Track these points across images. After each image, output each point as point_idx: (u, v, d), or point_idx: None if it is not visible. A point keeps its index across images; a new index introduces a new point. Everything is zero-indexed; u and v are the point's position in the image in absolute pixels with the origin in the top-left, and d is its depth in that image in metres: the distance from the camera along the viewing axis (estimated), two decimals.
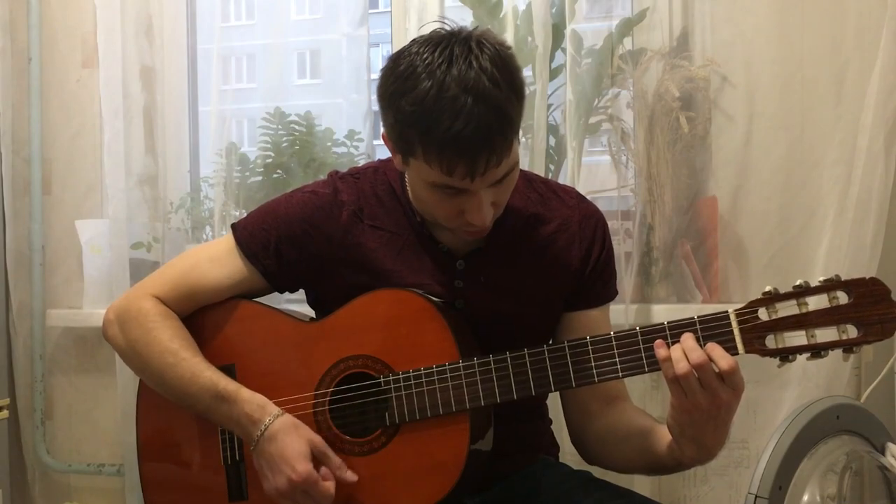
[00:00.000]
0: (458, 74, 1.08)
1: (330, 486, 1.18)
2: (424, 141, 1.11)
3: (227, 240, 1.35)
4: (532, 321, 1.31)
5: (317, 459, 1.20)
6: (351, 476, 1.20)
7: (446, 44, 1.12)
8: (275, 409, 1.22)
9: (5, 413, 2.07)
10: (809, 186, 1.78)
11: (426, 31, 1.18)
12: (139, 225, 2.09)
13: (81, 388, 2.17)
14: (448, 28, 1.16)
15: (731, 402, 1.08)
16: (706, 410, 1.07)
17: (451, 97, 1.08)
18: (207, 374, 1.25)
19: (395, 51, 1.17)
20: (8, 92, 2.12)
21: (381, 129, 1.22)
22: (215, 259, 1.34)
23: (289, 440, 1.19)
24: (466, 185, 1.13)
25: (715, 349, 1.08)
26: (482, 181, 1.13)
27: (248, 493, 1.29)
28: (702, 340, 1.09)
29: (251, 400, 1.23)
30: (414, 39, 1.17)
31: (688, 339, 1.09)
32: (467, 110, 1.07)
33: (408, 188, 1.30)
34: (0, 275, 2.11)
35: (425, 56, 1.11)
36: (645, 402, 1.77)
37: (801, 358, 1.09)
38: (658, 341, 1.10)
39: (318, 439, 1.21)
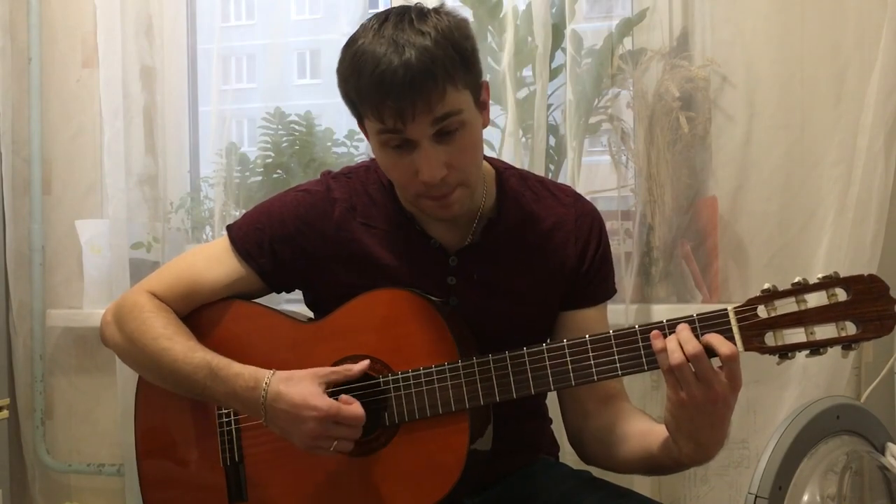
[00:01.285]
0: (388, 32, 1.14)
1: (356, 407, 1.17)
2: (358, 92, 1.16)
3: (222, 241, 1.36)
4: (527, 319, 1.31)
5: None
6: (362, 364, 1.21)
7: (385, 13, 1.18)
8: (266, 372, 1.22)
9: (5, 413, 2.07)
10: (809, 186, 1.78)
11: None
12: (139, 225, 2.09)
13: (81, 388, 2.17)
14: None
15: (728, 397, 1.08)
16: (701, 404, 1.07)
17: (379, 47, 1.13)
18: (200, 354, 1.25)
19: None
20: (8, 92, 2.12)
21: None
22: (211, 259, 1.35)
23: (294, 388, 1.18)
24: (400, 129, 1.14)
25: (714, 336, 1.08)
26: (415, 127, 1.14)
27: (247, 494, 1.29)
28: (700, 337, 1.09)
29: (242, 372, 1.22)
30: None
31: (683, 329, 1.09)
32: (390, 54, 1.12)
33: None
34: (0, 275, 2.11)
35: (366, 24, 1.19)
36: (645, 402, 1.77)
37: (801, 356, 1.09)
38: (654, 332, 1.10)
39: (319, 371, 1.21)
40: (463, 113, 1.17)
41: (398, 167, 1.20)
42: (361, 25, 1.20)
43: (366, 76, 1.13)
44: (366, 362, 1.22)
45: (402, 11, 1.17)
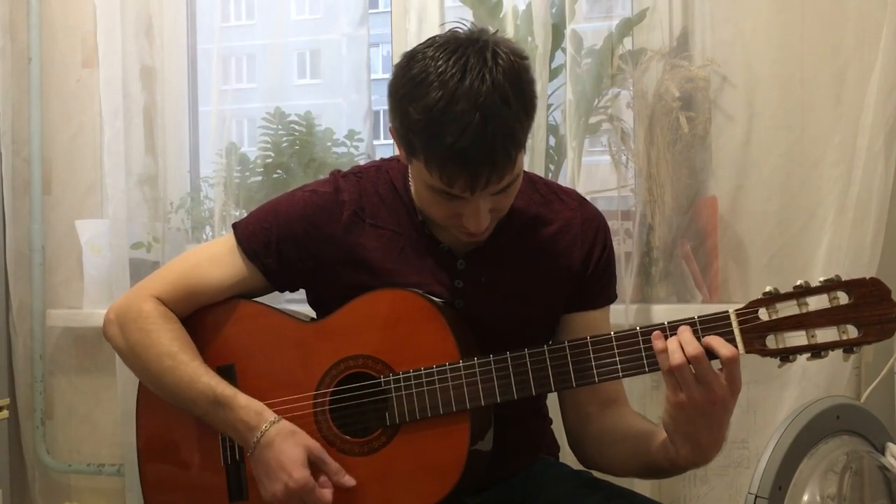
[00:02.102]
0: (470, 88, 1.07)
1: (327, 493, 1.19)
2: (428, 150, 1.11)
3: (227, 239, 1.36)
4: (532, 322, 1.31)
5: (315, 466, 1.20)
6: (349, 480, 1.20)
7: (462, 53, 1.10)
8: (271, 416, 1.22)
9: (5, 413, 2.07)
10: (809, 186, 1.78)
11: (444, 29, 1.18)
12: (139, 225, 2.09)
13: (81, 388, 2.17)
14: (466, 29, 1.15)
15: (727, 400, 1.08)
16: (700, 405, 1.07)
17: (460, 111, 1.07)
18: (205, 380, 1.25)
19: (397, 50, 1.15)
20: (8, 92, 2.12)
21: (389, 123, 1.21)
22: (216, 258, 1.34)
23: (286, 447, 1.19)
24: (466, 196, 1.14)
25: (715, 339, 1.08)
26: (481, 194, 1.14)
27: (247, 494, 1.29)
28: (701, 340, 1.09)
29: (248, 406, 1.23)
30: (432, 39, 1.16)
31: (685, 331, 1.09)
32: (474, 127, 1.07)
33: (411, 184, 1.31)
34: (0, 275, 2.11)
35: (439, 63, 1.10)
36: (645, 402, 1.77)
37: (802, 358, 1.09)
38: (656, 332, 1.11)
39: (314, 445, 1.21)
40: (520, 172, 1.18)
41: (440, 209, 1.20)
42: (432, 57, 1.10)
43: (444, 144, 1.08)
44: (352, 482, 1.21)
45: (480, 53, 1.09)
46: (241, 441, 1.24)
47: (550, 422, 1.45)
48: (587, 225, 1.34)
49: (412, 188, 1.30)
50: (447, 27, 1.18)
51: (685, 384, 1.07)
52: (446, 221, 1.22)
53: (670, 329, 1.12)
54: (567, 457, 1.47)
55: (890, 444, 1.42)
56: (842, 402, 1.42)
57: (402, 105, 1.13)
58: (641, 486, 1.69)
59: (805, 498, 1.33)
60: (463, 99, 1.07)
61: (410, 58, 1.15)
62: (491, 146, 1.08)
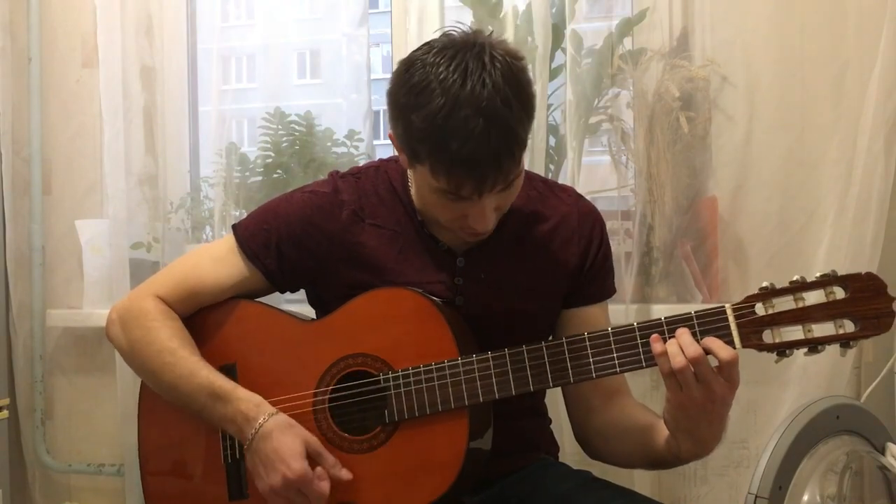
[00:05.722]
0: (472, 93, 1.09)
1: (325, 485, 1.18)
2: (434, 157, 1.13)
3: (228, 240, 1.36)
4: (531, 318, 1.32)
5: (312, 459, 1.20)
6: (346, 474, 1.20)
7: (461, 58, 1.11)
8: (270, 408, 1.23)
9: (5, 413, 2.07)
10: (809, 186, 1.78)
11: (438, 33, 1.19)
12: (139, 225, 2.09)
13: (81, 388, 2.17)
14: (461, 31, 1.17)
15: (726, 396, 1.09)
16: (701, 404, 1.09)
17: (464, 118, 1.08)
18: (204, 373, 1.26)
19: (397, 50, 1.17)
20: (8, 92, 2.12)
21: (388, 128, 1.22)
22: (217, 259, 1.35)
23: (284, 438, 1.19)
24: (474, 199, 1.16)
25: (714, 341, 1.09)
26: (488, 196, 1.16)
27: (248, 492, 1.29)
28: (699, 335, 1.10)
29: (247, 398, 1.23)
30: (428, 45, 1.17)
31: (684, 334, 1.10)
32: (478, 132, 1.08)
33: (411, 186, 1.31)
34: (0, 275, 2.11)
35: (440, 70, 1.11)
36: (645, 402, 1.76)
37: (799, 355, 1.10)
38: (654, 336, 1.11)
39: (312, 438, 1.21)
40: (522, 169, 1.20)
41: (445, 211, 1.21)
42: (432, 63, 1.12)
43: (449, 151, 1.09)
44: (348, 475, 1.20)
45: (479, 57, 1.11)
46: (239, 433, 1.24)
47: (549, 421, 1.45)
48: (583, 220, 1.35)
49: (412, 190, 1.31)
50: (440, 32, 1.19)
51: (686, 385, 1.08)
52: (451, 224, 1.23)
53: (667, 324, 1.12)
54: (567, 457, 1.47)
55: (890, 444, 1.43)
56: (842, 402, 1.42)
57: (404, 114, 1.14)
58: (641, 486, 1.69)
59: (805, 498, 1.33)
60: (465, 105, 1.09)
61: (409, 65, 1.15)
62: (496, 150, 1.10)
